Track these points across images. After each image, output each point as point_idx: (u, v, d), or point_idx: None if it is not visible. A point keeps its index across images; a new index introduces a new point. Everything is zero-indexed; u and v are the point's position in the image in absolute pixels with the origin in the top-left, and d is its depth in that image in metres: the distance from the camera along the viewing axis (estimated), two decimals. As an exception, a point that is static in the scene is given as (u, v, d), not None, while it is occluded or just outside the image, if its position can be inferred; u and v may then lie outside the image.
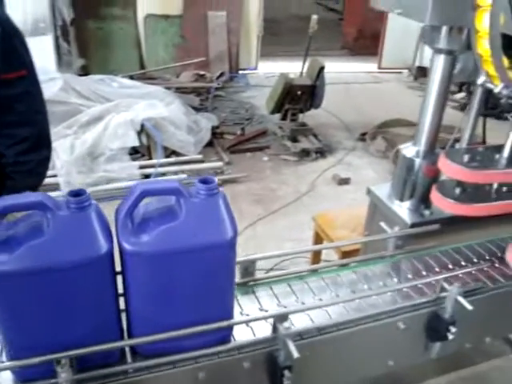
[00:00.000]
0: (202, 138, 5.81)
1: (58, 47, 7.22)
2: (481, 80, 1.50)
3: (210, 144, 5.93)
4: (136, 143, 5.29)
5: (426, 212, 2.04)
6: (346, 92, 8.21)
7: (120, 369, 1.28)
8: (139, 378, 1.30)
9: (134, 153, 5.47)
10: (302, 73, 5.87)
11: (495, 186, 1.88)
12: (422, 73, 8.65)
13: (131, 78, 7.32)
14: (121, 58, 8.03)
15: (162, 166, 5.26)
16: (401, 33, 8.72)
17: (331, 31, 11.41)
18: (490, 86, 1.46)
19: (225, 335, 1.40)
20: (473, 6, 1.35)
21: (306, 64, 5.86)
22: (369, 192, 2.24)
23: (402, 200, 2.10)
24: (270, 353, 1.40)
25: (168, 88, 6.89)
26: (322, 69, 5.61)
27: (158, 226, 1.18)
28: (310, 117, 6.29)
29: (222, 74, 7.90)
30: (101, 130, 5.16)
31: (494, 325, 1.81)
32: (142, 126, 5.36)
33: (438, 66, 1.87)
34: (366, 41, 10.37)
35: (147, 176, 5.10)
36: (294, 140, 5.83)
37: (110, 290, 1.22)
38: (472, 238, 1.96)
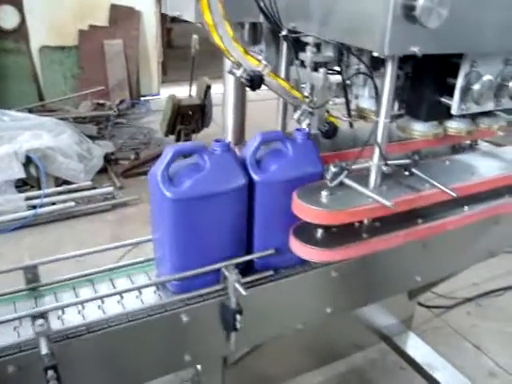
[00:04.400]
0: (94, 165, 5.74)
1: None
2: (228, 68, 1.53)
3: (105, 170, 5.86)
4: (22, 175, 5.15)
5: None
6: (249, 110, 8.29)
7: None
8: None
9: (24, 185, 5.33)
10: (190, 93, 5.90)
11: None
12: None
13: (30, 111, 7.16)
14: (17, 91, 7.82)
15: (50, 195, 5.14)
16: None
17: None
18: (235, 71, 1.49)
19: None
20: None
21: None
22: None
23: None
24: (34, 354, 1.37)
25: (65, 118, 6.78)
26: (208, 88, 5.66)
27: (273, 163, 1.62)
28: (206, 136, 6.31)
29: (121, 102, 7.84)
30: (-18, 163, 5.00)
31: (290, 313, 1.80)
32: (30, 157, 5.23)
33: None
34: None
35: (34, 207, 4.96)
36: (188, 160, 5.83)
37: (246, 212, 1.65)
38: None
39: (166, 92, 8.84)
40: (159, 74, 8.85)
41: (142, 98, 8.53)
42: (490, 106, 1.74)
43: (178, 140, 6.07)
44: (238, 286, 1.54)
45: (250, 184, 1.60)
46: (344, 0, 1.45)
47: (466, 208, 1.87)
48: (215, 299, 1.62)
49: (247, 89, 1.60)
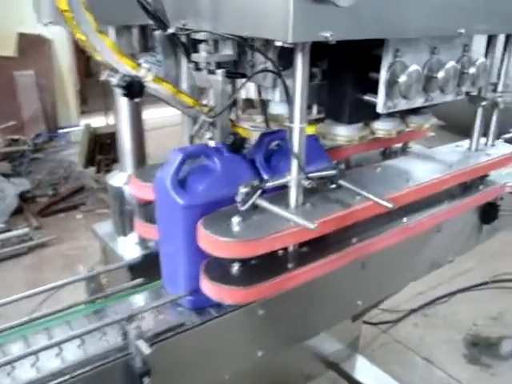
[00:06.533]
0: (7, 205, 5.30)
1: None
2: (104, 76, 1.24)
3: (20, 210, 5.42)
4: None
5: (152, 243, 1.76)
6: (173, 135, 8.00)
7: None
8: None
9: None
10: (107, 121, 5.57)
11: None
12: (249, 104, 8.64)
13: None
14: None
15: (-43, 244, 4.66)
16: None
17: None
18: (111, 79, 1.21)
19: None
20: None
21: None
22: (95, 232, 1.93)
23: (125, 235, 1.81)
24: None
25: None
26: (125, 113, 5.33)
27: (282, 162, 1.50)
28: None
29: (38, 136, 7.38)
30: None
31: (213, 363, 1.51)
32: None
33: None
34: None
35: None
36: (110, 191, 5.47)
37: None
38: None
39: (91, 122, 8.47)
40: (77, 104, 8.42)
41: (61, 131, 8.08)
42: (419, 101, 1.53)
43: (98, 171, 5.72)
44: (140, 343, 1.24)
45: None
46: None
47: (405, 219, 1.65)
48: (118, 360, 1.31)
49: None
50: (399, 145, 2.24)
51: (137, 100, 1.21)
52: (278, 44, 1.09)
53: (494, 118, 1.99)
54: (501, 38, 1.86)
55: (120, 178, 1.78)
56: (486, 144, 2.04)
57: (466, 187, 1.95)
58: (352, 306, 1.81)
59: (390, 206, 1.36)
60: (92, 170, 5.90)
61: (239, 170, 1.44)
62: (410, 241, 1.78)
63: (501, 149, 2.04)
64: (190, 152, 1.40)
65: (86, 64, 10.94)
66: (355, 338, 3.01)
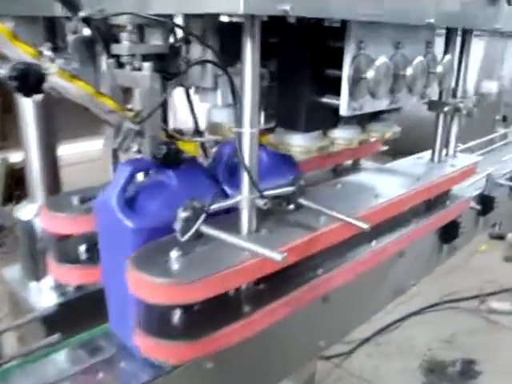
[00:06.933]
0: None
1: None
2: None
3: None
4: None
5: (70, 289, 1.45)
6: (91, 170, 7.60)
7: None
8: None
9: None
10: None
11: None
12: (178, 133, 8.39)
13: None
14: None
15: None
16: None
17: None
18: (-1, 71, 0.91)
19: None
20: None
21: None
22: (2, 278, 1.60)
23: (38, 279, 1.49)
24: None
25: None
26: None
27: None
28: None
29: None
30: None
31: None
32: None
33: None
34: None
35: None
36: (31, 229, 5.03)
37: None
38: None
39: (4, 157, 7.92)
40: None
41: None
42: (385, 103, 1.31)
43: (18, 208, 5.26)
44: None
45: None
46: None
47: (373, 243, 1.41)
48: None
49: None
50: (350, 162, 2.03)
51: (37, 98, 0.91)
52: (225, 19, 0.83)
53: (456, 126, 1.82)
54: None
55: (29, 211, 1.46)
56: (446, 154, 1.86)
57: (431, 204, 1.75)
58: (314, 347, 1.55)
59: (365, 226, 1.11)
60: (10, 207, 5.43)
61: (198, 186, 1.23)
62: (376, 267, 1.55)
63: (463, 159, 1.86)
64: (139, 165, 1.17)
65: (5, 99, 10.41)
66: (311, 376, 2.74)
